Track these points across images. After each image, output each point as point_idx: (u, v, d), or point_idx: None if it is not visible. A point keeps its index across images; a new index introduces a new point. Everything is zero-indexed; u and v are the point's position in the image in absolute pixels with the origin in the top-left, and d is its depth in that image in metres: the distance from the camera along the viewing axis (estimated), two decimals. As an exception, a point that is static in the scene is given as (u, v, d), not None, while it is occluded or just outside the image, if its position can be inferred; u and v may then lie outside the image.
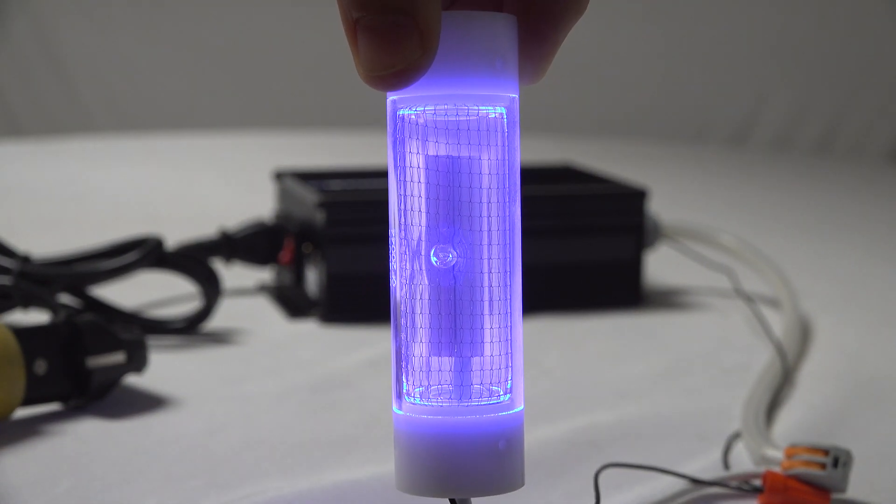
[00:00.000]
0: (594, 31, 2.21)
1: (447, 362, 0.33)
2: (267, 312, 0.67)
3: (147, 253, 0.60)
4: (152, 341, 0.59)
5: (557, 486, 0.43)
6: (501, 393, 0.33)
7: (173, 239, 0.67)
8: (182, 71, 2.25)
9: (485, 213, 0.33)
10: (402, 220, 0.34)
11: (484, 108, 0.32)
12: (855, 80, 2.10)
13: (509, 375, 0.33)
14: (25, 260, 0.59)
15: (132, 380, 0.52)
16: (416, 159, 0.33)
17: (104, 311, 0.59)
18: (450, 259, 0.33)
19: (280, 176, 0.72)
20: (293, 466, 0.44)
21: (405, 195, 0.34)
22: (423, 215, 0.33)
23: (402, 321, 0.34)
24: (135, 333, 0.51)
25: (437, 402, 0.33)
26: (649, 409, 0.52)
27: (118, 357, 0.49)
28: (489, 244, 0.33)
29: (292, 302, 0.67)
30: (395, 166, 0.34)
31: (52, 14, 2.24)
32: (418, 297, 0.33)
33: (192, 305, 0.63)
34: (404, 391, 0.33)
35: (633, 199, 0.69)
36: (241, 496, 0.41)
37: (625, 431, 0.48)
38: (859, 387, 0.55)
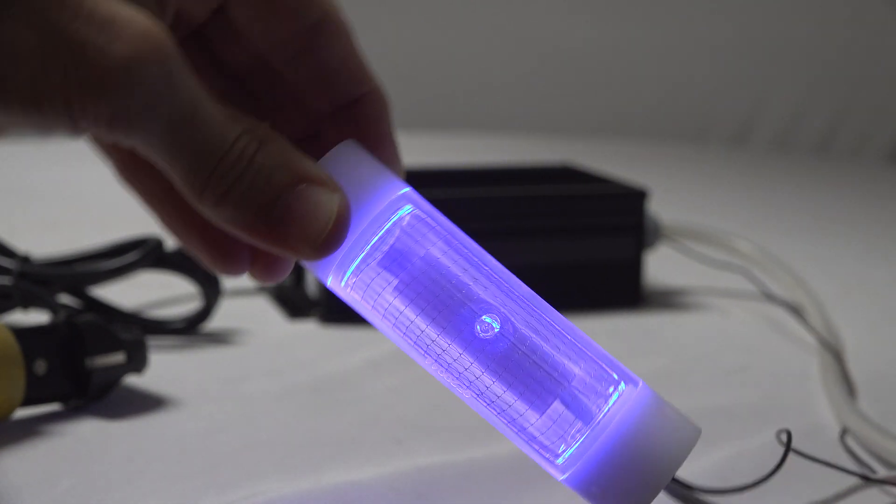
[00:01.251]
0: (594, 31, 2.21)
1: (558, 408, 0.33)
2: (267, 313, 0.67)
3: (147, 253, 0.60)
4: (152, 341, 0.59)
5: (557, 486, 0.43)
6: (613, 388, 0.33)
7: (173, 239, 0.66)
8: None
9: (474, 276, 0.34)
10: (422, 347, 0.33)
11: (397, 216, 0.33)
12: (855, 80, 2.10)
13: (607, 369, 0.34)
14: (25, 260, 0.59)
15: (132, 380, 0.52)
16: (387, 298, 0.33)
17: (104, 312, 0.59)
18: (492, 324, 0.33)
19: (280, 176, 0.72)
20: (293, 466, 0.44)
21: (406, 327, 0.33)
22: (433, 327, 0.33)
23: (495, 414, 0.34)
24: (135, 333, 0.51)
25: (578, 441, 0.33)
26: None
27: (118, 357, 0.49)
28: (501, 292, 0.34)
29: (292, 302, 0.67)
30: (381, 317, 0.34)
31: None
32: (486, 384, 0.33)
33: (192, 305, 0.63)
34: (556, 461, 0.34)
35: (633, 199, 0.69)
36: (242, 496, 0.41)
37: (625, 431, 0.48)
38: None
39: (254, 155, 0.29)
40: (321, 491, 0.41)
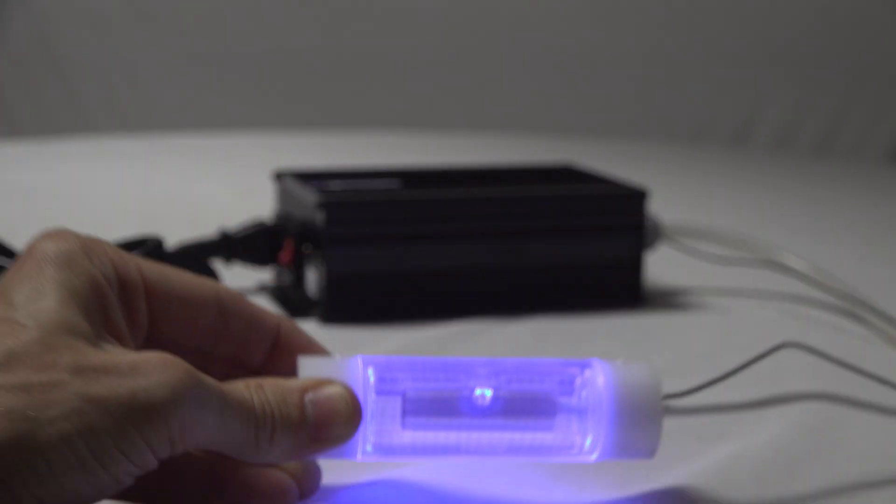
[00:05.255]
0: (594, 31, 2.21)
1: (559, 419, 0.40)
2: (267, 312, 0.67)
3: (147, 253, 0.60)
4: (152, 341, 0.59)
5: (558, 487, 0.43)
6: (580, 379, 0.40)
7: (173, 239, 0.67)
8: (182, 71, 2.25)
9: (444, 375, 0.40)
10: (452, 449, 0.40)
11: (371, 379, 0.39)
12: (855, 80, 2.10)
13: (566, 370, 0.40)
14: (25, 260, 0.59)
15: (132, 380, 0.52)
16: (404, 435, 0.39)
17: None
18: (484, 393, 0.39)
19: (280, 176, 0.72)
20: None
21: (433, 444, 0.40)
22: (446, 427, 0.40)
23: (523, 454, 0.41)
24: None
25: (589, 427, 0.40)
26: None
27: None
28: (467, 371, 0.40)
29: (292, 302, 0.67)
30: (410, 451, 0.40)
31: (52, 14, 2.24)
32: (504, 440, 0.40)
33: (192, 305, 0.62)
34: (584, 453, 0.41)
35: (633, 199, 0.69)
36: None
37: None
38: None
39: (265, 398, 0.36)
40: (321, 491, 0.41)
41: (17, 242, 0.62)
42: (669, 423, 0.49)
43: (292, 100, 2.25)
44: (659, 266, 0.77)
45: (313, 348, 0.43)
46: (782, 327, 0.67)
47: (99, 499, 0.33)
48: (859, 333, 0.66)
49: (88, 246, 0.37)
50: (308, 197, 0.65)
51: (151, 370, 0.33)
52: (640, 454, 0.40)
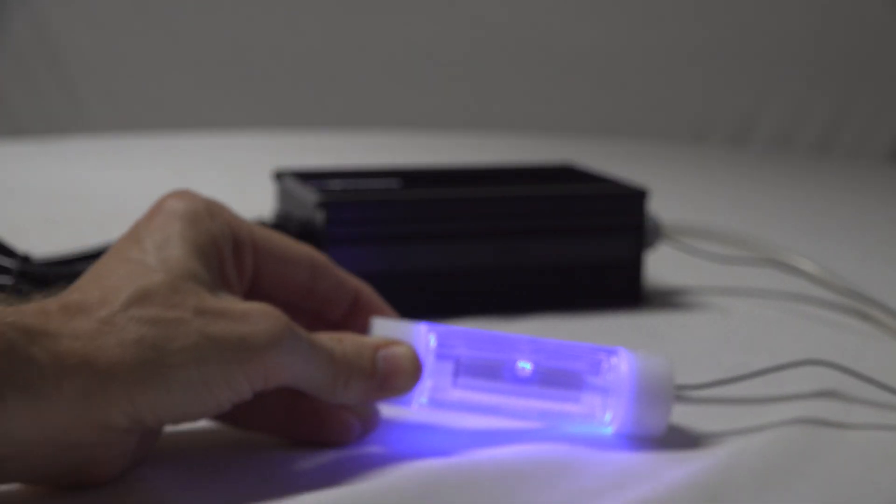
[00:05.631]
0: (595, 31, 2.22)
1: (585, 394, 0.47)
2: (267, 312, 0.67)
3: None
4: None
5: (557, 487, 0.43)
6: (607, 363, 0.47)
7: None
8: (182, 71, 2.25)
9: (493, 345, 0.47)
10: (494, 410, 0.47)
11: (432, 343, 0.47)
12: (855, 80, 2.10)
13: (596, 354, 0.48)
14: (25, 260, 0.59)
15: (132, 380, 0.52)
16: (454, 392, 0.47)
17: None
18: (524, 366, 0.47)
19: (280, 176, 0.72)
20: (293, 468, 0.44)
21: (478, 403, 0.47)
22: (493, 391, 0.47)
23: (552, 419, 0.48)
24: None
25: (609, 405, 0.47)
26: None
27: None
28: (512, 345, 0.47)
29: (292, 302, 0.67)
30: (459, 406, 0.47)
31: (52, 14, 2.24)
32: (537, 406, 0.47)
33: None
34: (603, 425, 0.48)
35: (634, 199, 0.69)
36: (241, 497, 0.41)
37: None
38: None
39: (344, 350, 0.43)
40: (320, 491, 0.41)
41: (18, 242, 0.62)
42: (671, 423, 0.49)
43: (292, 100, 2.25)
44: (659, 266, 0.77)
45: (385, 312, 0.50)
46: (783, 326, 0.67)
47: (201, 418, 0.41)
48: (865, 331, 0.66)
49: (210, 207, 0.45)
50: (308, 197, 0.65)
51: (258, 318, 0.40)
52: (651, 432, 0.47)
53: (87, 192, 1.07)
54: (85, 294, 0.39)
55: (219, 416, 0.44)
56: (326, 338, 0.43)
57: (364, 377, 0.44)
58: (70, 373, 0.36)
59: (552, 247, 0.68)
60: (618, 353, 0.48)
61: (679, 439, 0.48)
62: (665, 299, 0.72)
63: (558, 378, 0.47)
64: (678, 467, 0.45)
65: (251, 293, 0.46)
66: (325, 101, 2.22)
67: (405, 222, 0.65)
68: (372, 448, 0.45)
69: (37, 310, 0.38)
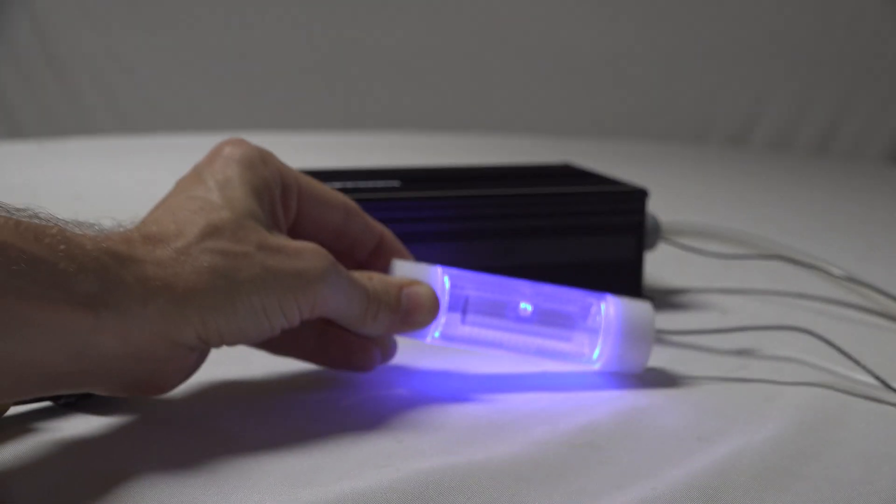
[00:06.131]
0: (595, 31, 2.22)
1: (576, 334, 0.54)
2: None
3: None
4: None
5: (557, 487, 0.43)
6: (596, 307, 0.54)
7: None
8: (182, 71, 2.25)
9: (498, 289, 0.53)
10: (496, 343, 0.54)
11: (447, 284, 0.53)
12: (855, 80, 2.10)
13: (587, 299, 0.54)
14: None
15: (132, 380, 0.52)
16: (463, 329, 0.53)
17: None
18: (526, 307, 0.53)
19: (280, 176, 0.72)
20: (294, 469, 0.44)
21: (482, 338, 0.53)
22: (496, 327, 0.53)
23: (545, 355, 0.54)
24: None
25: (598, 343, 0.54)
26: (649, 409, 0.52)
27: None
28: (515, 288, 0.53)
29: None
30: (468, 340, 0.53)
31: (52, 14, 2.24)
32: (535, 342, 0.54)
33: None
34: (591, 362, 0.54)
35: (634, 199, 0.69)
36: (241, 498, 0.41)
37: (624, 432, 0.49)
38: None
39: (375, 286, 0.49)
40: (322, 490, 0.41)
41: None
42: (671, 423, 0.49)
43: (292, 100, 2.25)
44: (659, 266, 0.77)
45: (405, 255, 0.55)
46: (783, 324, 0.67)
47: (256, 341, 0.46)
48: (868, 322, 0.66)
49: (263, 154, 0.50)
50: (308, 197, 0.65)
51: (310, 256, 0.46)
52: (632, 369, 0.54)
53: (87, 192, 1.07)
54: (161, 226, 0.44)
55: (262, 343, 0.51)
56: (359, 274, 0.49)
57: (390, 311, 0.50)
58: (154, 295, 0.41)
59: (552, 246, 0.68)
60: (606, 298, 0.54)
61: (661, 379, 0.55)
62: (665, 299, 0.72)
63: (553, 319, 0.53)
64: (678, 467, 0.45)
65: (292, 232, 0.51)
66: (325, 101, 2.22)
67: (405, 222, 0.65)
68: (399, 390, 0.53)
69: (123, 237, 0.42)
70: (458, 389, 0.54)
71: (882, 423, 0.51)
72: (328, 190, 0.53)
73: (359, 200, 0.65)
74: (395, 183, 0.70)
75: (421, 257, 0.65)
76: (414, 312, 0.51)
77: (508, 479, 0.43)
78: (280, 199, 0.50)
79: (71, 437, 0.46)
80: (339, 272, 0.47)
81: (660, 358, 0.59)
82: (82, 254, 0.40)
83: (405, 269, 0.53)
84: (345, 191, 0.66)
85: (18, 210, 0.41)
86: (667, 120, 2.17)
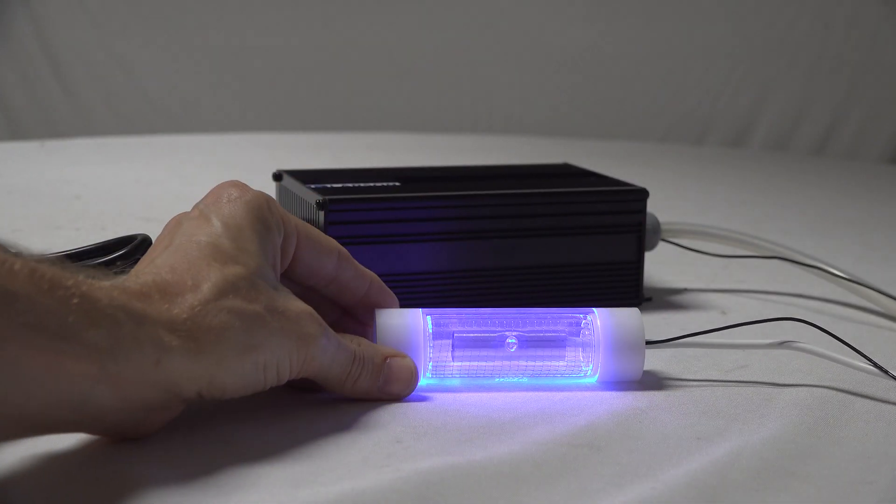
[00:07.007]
0: (595, 32, 2.22)
1: (568, 352, 0.54)
2: (267, 312, 0.67)
3: (134, 249, 0.60)
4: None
5: (557, 487, 0.43)
6: (584, 321, 0.54)
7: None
8: (182, 71, 2.25)
9: (483, 322, 0.54)
10: (488, 374, 0.55)
11: (429, 328, 0.54)
12: (854, 81, 2.10)
13: (574, 315, 0.55)
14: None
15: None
16: (454, 365, 0.54)
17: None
18: (513, 342, 0.54)
19: (280, 176, 0.72)
20: (293, 467, 0.44)
21: (474, 372, 0.54)
22: (486, 361, 0.54)
23: (542, 378, 0.55)
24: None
25: (591, 357, 0.54)
26: (648, 409, 0.52)
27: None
28: (501, 319, 0.54)
29: (292, 302, 0.67)
30: (458, 375, 0.54)
31: (52, 14, 2.24)
32: (527, 370, 0.54)
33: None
34: (587, 376, 0.55)
35: (634, 198, 0.69)
36: (241, 498, 0.41)
37: (624, 432, 0.49)
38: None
39: (363, 354, 0.51)
40: (321, 490, 0.41)
41: (18, 242, 0.62)
42: (671, 423, 0.49)
43: (292, 100, 2.25)
44: (659, 266, 0.77)
45: (392, 301, 0.56)
46: (782, 324, 0.67)
47: (251, 392, 0.46)
48: (867, 321, 0.66)
49: (269, 200, 0.50)
50: (308, 197, 0.65)
51: (307, 321, 0.48)
52: (630, 377, 0.54)
53: (87, 192, 1.07)
54: (177, 275, 0.45)
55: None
56: (349, 339, 0.51)
57: (371, 378, 0.51)
58: (167, 355, 0.42)
59: (552, 246, 0.68)
60: (592, 311, 0.55)
61: (660, 380, 0.56)
62: (665, 299, 0.72)
63: (542, 342, 0.54)
64: (678, 467, 0.45)
65: (286, 275, 0.52)
66: (325, 102, 2.22)
67: (405, 222, 0.65)
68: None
69: (139, 292, 0.43)
70: (458, 389, 0.54)
71: (882, 423, 0.51)
72: (323, 236, 0.53)
73: (359, 200, 0.65)
74: (395, 183, 0.70)
75: (421, 257, 0.65)
76: (392, 383, 0.52)
77: (508, 479, 0.43)
78: (280, 246, 0.51)
79: (71, 440, 0.46)
80: (328, 336, 0.49)
81: (659, 358, 0.59)
82: (95, 309, 0.40)
83: (389, 316, 0.54)
84: (345, 190, 0.66)
85: (42, 256, 0.41)
86: (667, 120, 2.17)
